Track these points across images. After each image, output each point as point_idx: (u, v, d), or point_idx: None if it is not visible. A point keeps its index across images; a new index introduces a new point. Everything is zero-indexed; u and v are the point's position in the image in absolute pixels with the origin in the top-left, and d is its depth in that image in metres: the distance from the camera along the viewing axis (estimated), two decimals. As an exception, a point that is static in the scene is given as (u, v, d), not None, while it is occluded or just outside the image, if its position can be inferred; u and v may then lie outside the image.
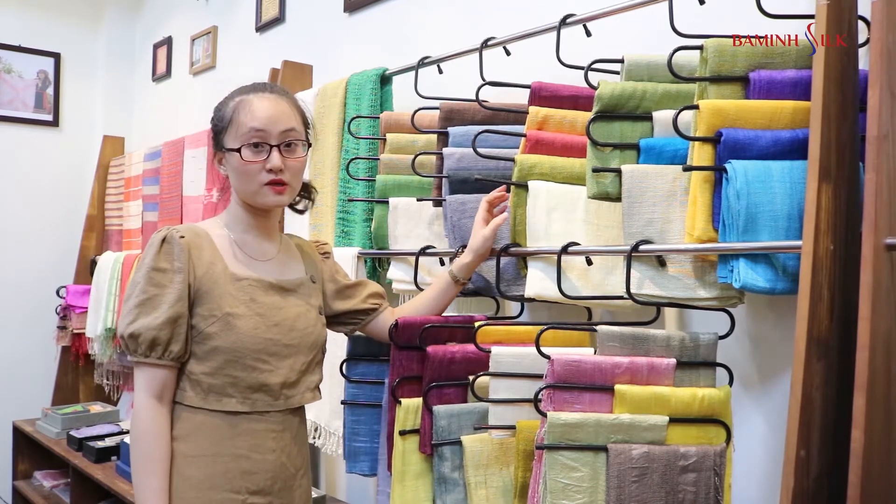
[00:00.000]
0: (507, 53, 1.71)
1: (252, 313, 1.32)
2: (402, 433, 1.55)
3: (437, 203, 1.71)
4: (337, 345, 1.91)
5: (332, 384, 1.88)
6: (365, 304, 1.59)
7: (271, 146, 1.33)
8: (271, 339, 1.33)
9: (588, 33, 1.53)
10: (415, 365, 1.59)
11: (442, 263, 1.75)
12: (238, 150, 1.33)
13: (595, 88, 1.33)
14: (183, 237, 1.31)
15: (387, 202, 1.84)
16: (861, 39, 1.16)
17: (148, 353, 1.27)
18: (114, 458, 2.85)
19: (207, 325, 1.30)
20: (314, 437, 2.04)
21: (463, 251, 1.59)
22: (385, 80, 2.04)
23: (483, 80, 1.65)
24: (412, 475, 1.54)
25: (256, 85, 1.40)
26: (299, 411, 1.43)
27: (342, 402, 1.74)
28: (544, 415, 1.22)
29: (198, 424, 1.31)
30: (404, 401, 1.56)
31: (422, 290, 1.76)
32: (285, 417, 1.37)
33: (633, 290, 1.27)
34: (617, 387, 1.22)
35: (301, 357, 1.39)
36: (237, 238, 1.40)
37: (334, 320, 1.58)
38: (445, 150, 1.67)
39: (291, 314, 1.38)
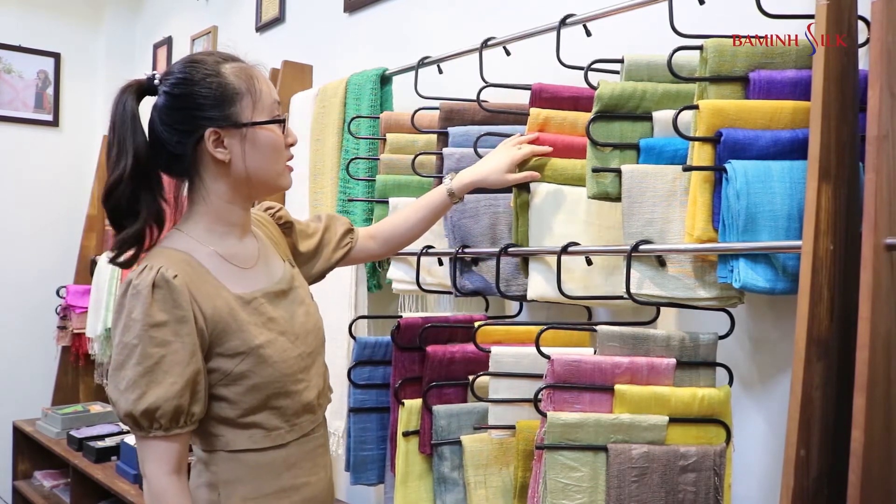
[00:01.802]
0: (507, 53, 1.71)
1: (275, 335, 1.15)
2: (406, 434, 1.55)
3: (437, 203, 1.71)
4: (337, 345, 1.91)
5: (334, 384, 1.87)
6: (339, 251, 1.44)
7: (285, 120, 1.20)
8: (299, 354, 1.19)
9: (588, 33, 1.53)
10: (417, 366, 1.59)
11: (441, 263, 1.75)
12: (280, 123, 1.17)
13: (595, 88, 1.33)
14: (176, 276, 1.07)
15: (387, 202, 1.84)
16: (861, 39, 1.16)
17: (171, 426, 1.05)
18: (114, 458, 2.85)
19: (235, 364, 1.11)
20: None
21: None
22: (385, 80, 2.04)
23: (483, 80, 1.65)
24: (415, 476, 1.54)
25: (232, 55, 1.18)
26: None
27: (350, 410, 1.73)
28: (544, 415, 1.22)
29: (249, 464, 1.15)
30: (407, 402, 1.56)
31: (424, 290, 1.77)
32: (322, 428, 1.27)
33: (633, 290, 1.27)
34: (617, 387, 1.22)
35: (320, 357, 1.27)
36: (221, 250, 1.17)
37: (319, 277, 1.44)
38: (445, 151, 1.67)
39: (300, 317, 1.22)
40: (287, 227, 1.37)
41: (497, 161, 1.45)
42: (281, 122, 1.17)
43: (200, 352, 1.08)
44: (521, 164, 1.47)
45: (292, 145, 1.21)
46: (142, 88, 1.15)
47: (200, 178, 1.16)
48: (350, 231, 1.48)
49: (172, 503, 1.07)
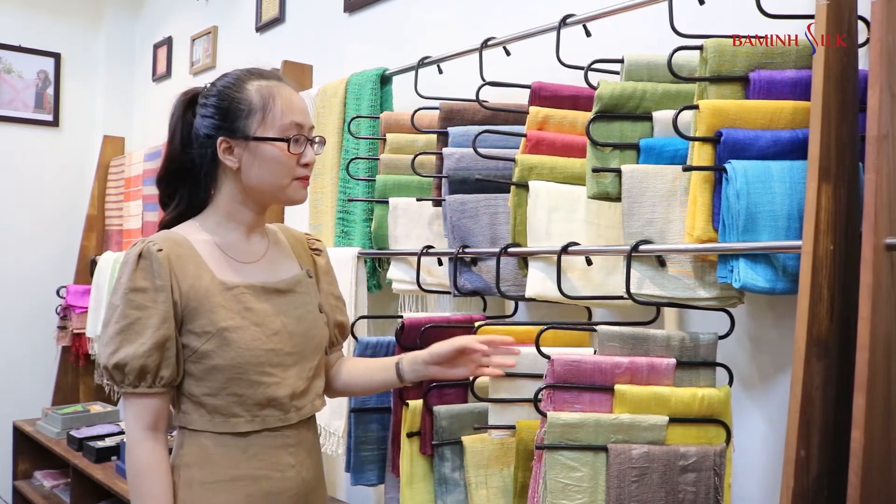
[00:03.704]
0: (507, 53, 1.71)
1: (248, 324, 1.21)
2: (410, 435, 1.54)
3: (437, 203, 1.71)
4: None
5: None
6: (331, 332, 1.41)
7: (308, 140, 1.26)
8: (273, 349, 1.23)
9: (588, 33, 1.53)
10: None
11: (440, 263, 1.75)
12: (286, 141, 1.22)
13: (595, 88, 1.33)
14: (161, 250, 1.18)
15: (387, 202, 1.84)
16: (861, 39, 1.16)
17: (137, 384, 1.16)
18: (114, 458, 2.86)
19: (202, 342, 1.19)
20: (314, 437, 2.03)
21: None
22: (385, 80, 2.04)
23: (483, 80, 1.65)
24: (420, 477, 1.54)
25: (270, 72, 1.29)
26: (311, 422, 1.33)
27: (351, 411, 1.73)
28: (544, 415, 1.22)
29: (208, 448, 1.21)
30: (411, 402, 1.56)
31: (424, 290, 1.77)
32: (299, 431, 1.28)
33: (633, 290, 1.27)
34: (617, 387, 1.22)
35: (307, 363, 1.29)
36: (221, 241, 1.27)
37: None
38: (445, 150, 1.67)
39: (291, 318, 1.27)
40: (316, 252, 1.43)
41: (450, 345, 1.33)
42: (285, 140, 1.22)
43: (174, 321, 1.18)
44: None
45: (306, 165, 1.25)
46: (194, 95, 1.29)
47: (219, 179, 1.27)
48: (346, 332, 1.45)
49: (143, 456, 1.18)
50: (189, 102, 1.28)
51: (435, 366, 1.34)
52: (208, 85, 1.28)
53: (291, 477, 1.26)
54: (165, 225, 1.29)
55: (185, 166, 1.27)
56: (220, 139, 1.22)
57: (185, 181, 1.28)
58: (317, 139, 1.28)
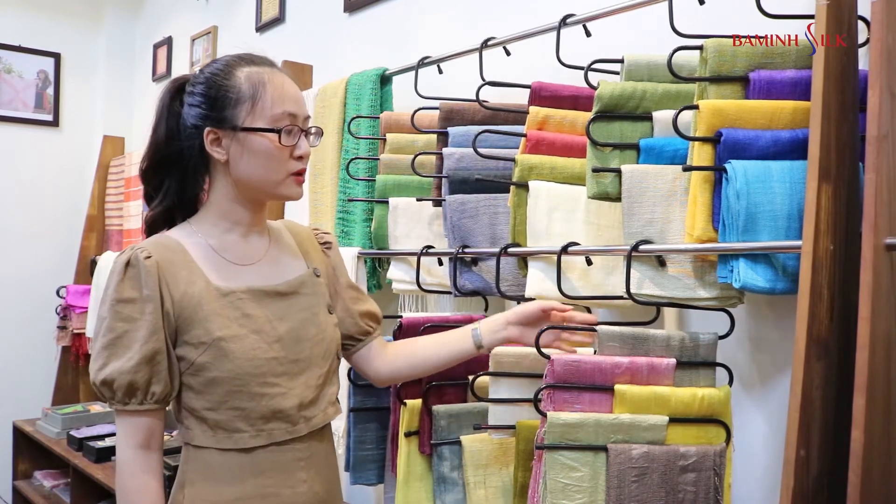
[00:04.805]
0: (507, 53, 1.71)
1: (247, 332, 1.13)
2: (408, 434, 1.54)
3: (437, 203, 1.71)
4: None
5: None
6: (361, 322, 1.35)
7: (302, 131, 1.17)
8: (275, 357, 1.14)
9: (588, 33, 1.53)
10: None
11: (440, 263, 1.75)
12: (277, 132, 1.13)
13: (595, 88, 1.33)
14: (149, 257, 1.10)
15: (387, 202, 1.84)
16: (861, 39, 1.16)
17: (127, 400, 1.09)
18: (114, 458, 2.85)
19: (198, 354, 1.10)
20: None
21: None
22: (385, 80, 2.04)
23: (483, 80, 1.65)
24: (416, 476, 1.54)
25: (262, 58, 1.19)
26: (324, 432, 1.24)
27: (350, 410, 1.73)
28: (544, 415, 1.22)
29: (213, 466, 1.13)
30: (409, 402, 1.56)
31: (424, 290, 1.77)
32: (310, 443, 1.19)
33: (633, 290, 1.27)
34: (617, 387, 1.22)
35: (316, 370, 1.20)
36: (216, 243, 1.18)
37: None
38: (445, 150, 1.67)
39: (295, 322, 1.19)
40: (326, 246, 1.36)
41: (533, 309, 1.32)
42: (275, 131, 1.13)
43: (164, 333, 1.10)
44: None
45: (300, 158, 1.17)
46: (183, 83, 1.21)
47: (211, 175, 1.20)
48: (377, 319, 1.38)
49: (132, 478, 1.11)
50: (177, 91, 1.20)
51: (516, 326, 1.31)
52: (197, 72, 1.20)
53: (303, 493, 1.18)
54: (151, 220, 1.21)
55: (171, 158, 1.18)
56: (206, 129, 1.14)
57: (172, 173, 1.19)
58: (312, 130, 1.20)
